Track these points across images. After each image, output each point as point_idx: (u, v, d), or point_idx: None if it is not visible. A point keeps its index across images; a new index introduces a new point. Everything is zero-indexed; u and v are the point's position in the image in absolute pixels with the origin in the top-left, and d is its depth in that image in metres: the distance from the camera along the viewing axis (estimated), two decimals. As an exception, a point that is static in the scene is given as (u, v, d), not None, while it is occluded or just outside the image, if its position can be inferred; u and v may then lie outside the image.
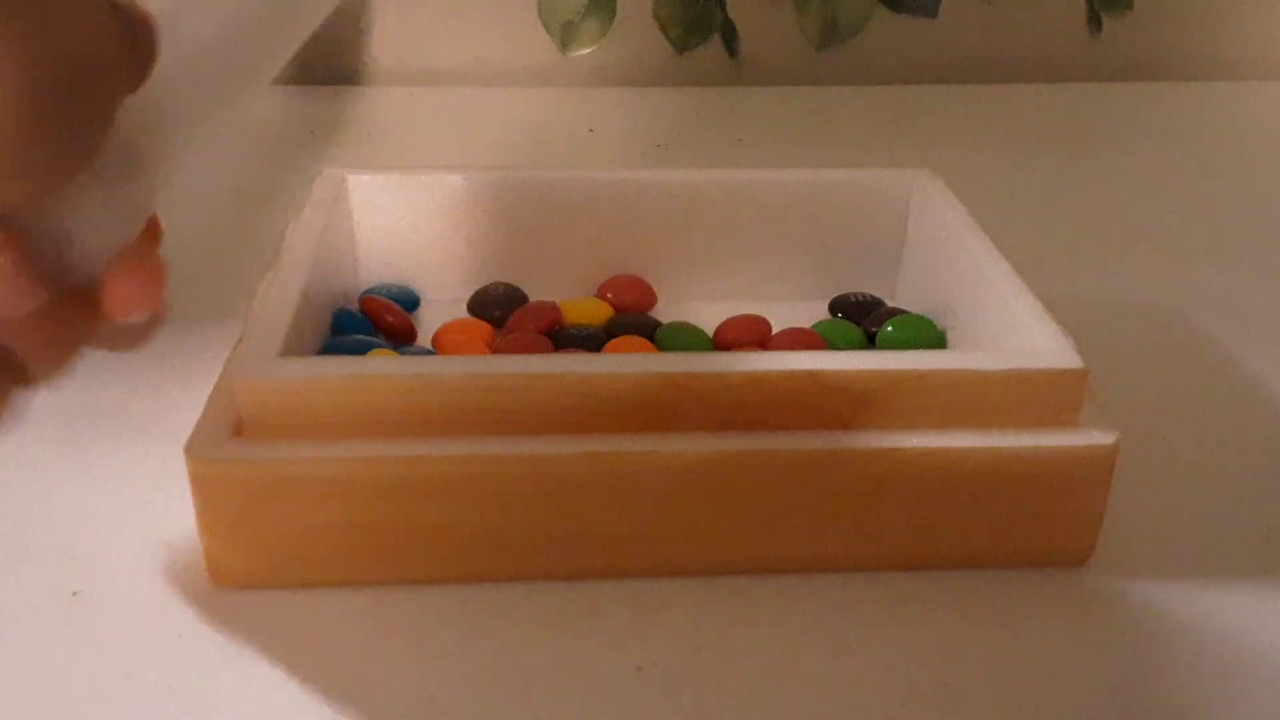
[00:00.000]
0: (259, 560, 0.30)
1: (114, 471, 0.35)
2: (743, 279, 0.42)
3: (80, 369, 0.39)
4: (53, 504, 0.33)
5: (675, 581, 0.31)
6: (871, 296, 0.42)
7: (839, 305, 0.41)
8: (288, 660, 0.28)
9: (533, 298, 0.41)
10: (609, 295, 0.41)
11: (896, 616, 0.30)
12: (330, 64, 0.66)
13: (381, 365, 0.29)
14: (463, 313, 0.41)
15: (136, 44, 0.19)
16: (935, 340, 0.38)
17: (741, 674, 0.28)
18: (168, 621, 0.29)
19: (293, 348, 0.31)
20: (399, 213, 0.41)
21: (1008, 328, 0.33)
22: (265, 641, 0.29)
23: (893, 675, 0.29)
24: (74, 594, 0.30)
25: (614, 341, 0.38)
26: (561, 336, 0.39)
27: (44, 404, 0.37)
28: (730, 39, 0.68)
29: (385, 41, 0.67)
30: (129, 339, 0.23)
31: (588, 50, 0.68)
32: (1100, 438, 0.30)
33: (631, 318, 0.40)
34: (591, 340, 0.38)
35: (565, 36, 0.68)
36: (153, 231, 0.22)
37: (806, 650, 0.29)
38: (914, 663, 0.29)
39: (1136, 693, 0.28)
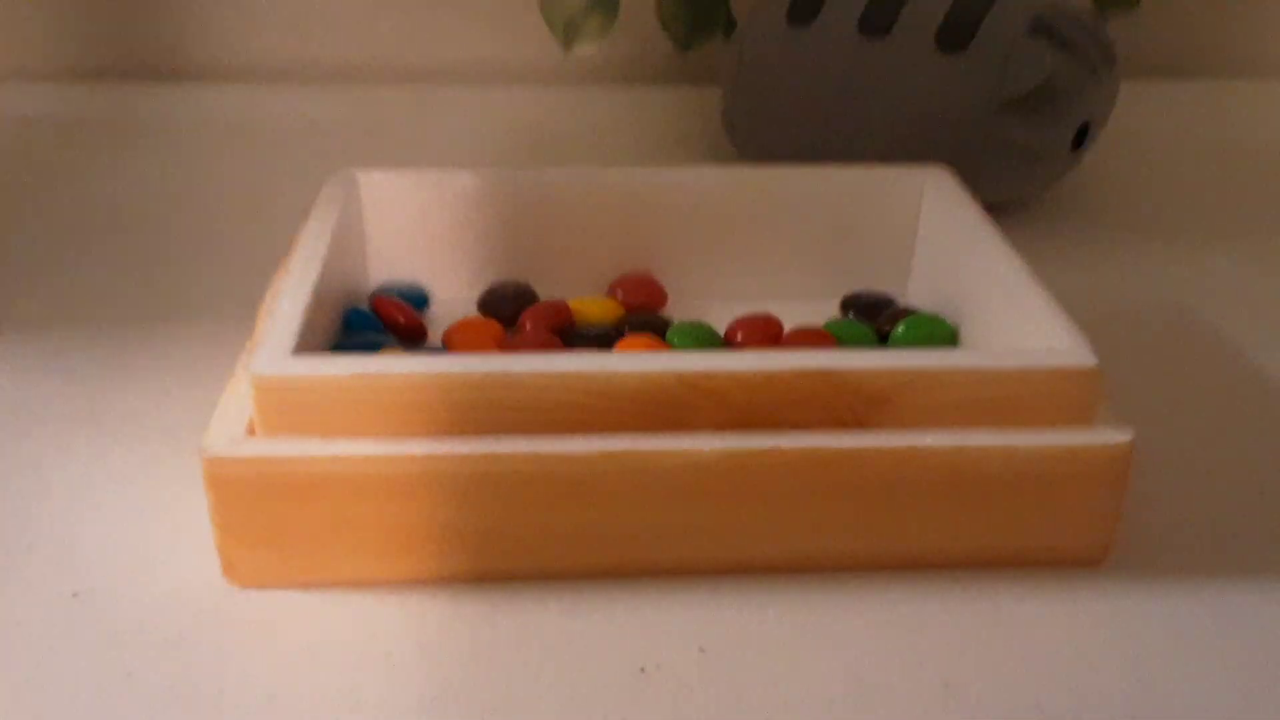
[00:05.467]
0: (274, 559, 0.30)
1: (119, 471, 0.34)
2: (753, 277, 0.42)
3: (85, 368, 0.39)
4: (54, 504, 0.33)
5: (679, 581, 0.31)
6: (883, 295, 0.42)
7: (850, 304, 0.41)
8: (294, 659, 0.28)
9: (543, 296, 0.41)
10: (619, 294, 0.41)
11: (907, 617, 0.30)
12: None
13: (396, 363, 0.29)
14: (473, 311, 0.41)
15: None
16: (948, 339, 0.38)
17: (746, 675, 0.28)
18: (172, 622, 0.29)
19: (306, 346, 0.31)
20: (409, 211, 0.41)
21: (1021, 326, 0.33)
22: (272, 641, 0.29)
23: (903, 676, 0.28)
24: (74, 595, 0.30)
25: (625, 340, 0.38)
26: (572, 335, 0.39)
27: (47, 404, 0.37)
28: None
29: (385, 39, 0.67)
30: None
31: (590, 48, 0.68)
32: (1115, 436, 0.30)
33: (642, 316, 0.40)
34: (602, 339, 0.38)
35: (568, 34, 0.68)
36: None
37: (813, 651, 0.29)
38: (923, 663, 0.29)
39: (1152, 695, 0.28)
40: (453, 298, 0.41)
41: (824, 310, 0.41)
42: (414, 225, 0.41)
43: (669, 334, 0.38)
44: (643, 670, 0.28)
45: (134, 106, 0.63)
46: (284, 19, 0.66)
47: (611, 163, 0.56)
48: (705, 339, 0.38)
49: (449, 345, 0.38)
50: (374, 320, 0.38)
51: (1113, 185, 0.56)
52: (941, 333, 0.38)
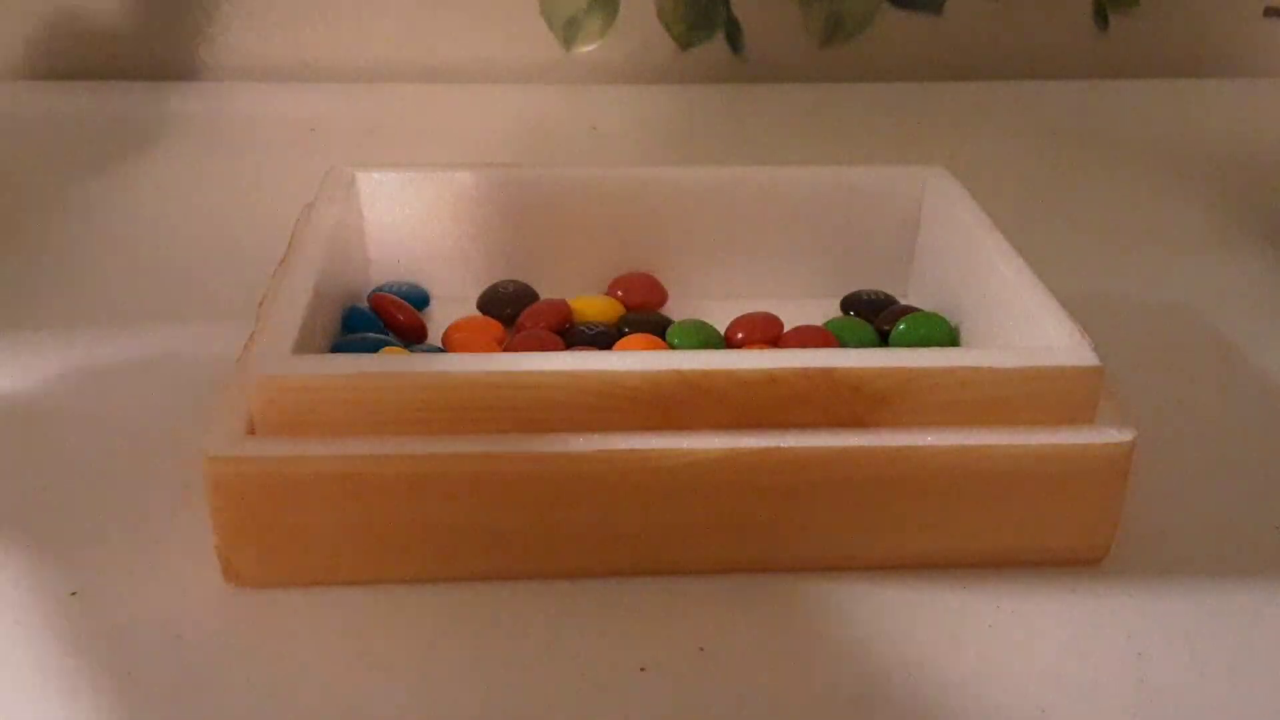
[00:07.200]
0: (274, 559, 0.30)
1: (118, 472, 0.34)
2: (754, 276, 0.42)
3: (84, 368, 0.39)
4: (54, 504, 0.33)
5: (680, 580, 0.31)
6: (884, 294, 0.42)
7: (851, 303, 0.41)
8: (294, 659, 0.28)
9: (543, 295, 0.41)
10: (619, 293, 0.41)
11: (907, 616, 0.30)
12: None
13: (395, 363, 0.29)
14: (473, 310, 0.41)
15: None
16: (948, 338, 0.38)
17: (746, 675, 0.28)
18: (172, 622, 0.29)
19: (305, 345, 0.31)
20: (408, 210, 0.41)
21: (1022, 325, 0.33)
22: (273, 640, 0.29)
23: (902, 676, 0.28)
24: (74, 595, 0.30)
25: (625, 339, 0.38)
26: (572, 334, 0.38)
27: (47, 403, 0.37)
28: (734, 36, 0.68)
29: (386, 38, 0.66)
30: None
31: (591, 47, 0.68)
32: (1117, 435, 0.30)
33: (642, 315, 0.40)
34: (603, 338, 0.38)
35: (568, 33, 0.67)
36: None
37: (813, 651, 0.29)
38: (923, 663, 0.29)
39: (1152, 695, 0.28)
40: (453, 297, 0.41)
41: (824, 310, 0.41)
42: (414, 225, 0.41)
43: (669, 334, 0.38)
44: (643, 670, 0.28)
45: (134, 106, 0.62)
46: (285, 19, 0.66)
47: (611, 163, 0.56)
48: (705, 338, 0.38)
49: (449, 345, 0.38)
50: (374, 320, 0.38)
51: (1115, 183, 0.56)
52: (941, 332, 0.38)
